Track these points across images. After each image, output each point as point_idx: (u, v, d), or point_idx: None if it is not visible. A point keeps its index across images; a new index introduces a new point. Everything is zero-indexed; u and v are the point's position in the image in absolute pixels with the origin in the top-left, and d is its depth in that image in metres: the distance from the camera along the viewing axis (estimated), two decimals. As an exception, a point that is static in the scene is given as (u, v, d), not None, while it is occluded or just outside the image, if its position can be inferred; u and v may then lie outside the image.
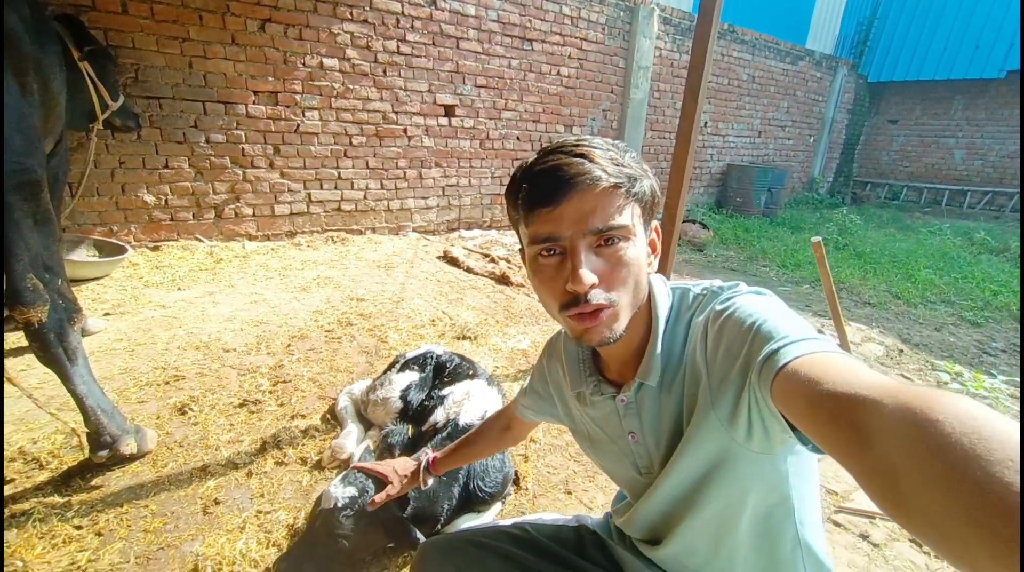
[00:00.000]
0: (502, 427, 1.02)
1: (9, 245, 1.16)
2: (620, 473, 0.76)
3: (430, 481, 1.06)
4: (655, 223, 0.65)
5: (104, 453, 1.43)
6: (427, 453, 1.08)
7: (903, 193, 9.54)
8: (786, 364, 0.46)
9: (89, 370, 1.42)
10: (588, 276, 0.55)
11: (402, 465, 1.09)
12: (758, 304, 0.56)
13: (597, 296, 0.56)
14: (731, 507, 0.63)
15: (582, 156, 0.56)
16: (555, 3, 4.99)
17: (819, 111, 8.93)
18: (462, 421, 1.51)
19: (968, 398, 0.32)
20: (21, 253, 1.18)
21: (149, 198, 3.46)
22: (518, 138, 5.16)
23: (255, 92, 3.68)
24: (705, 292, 0.65)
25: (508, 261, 3.91)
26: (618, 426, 0.71)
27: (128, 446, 1.46)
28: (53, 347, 1.29)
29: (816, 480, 0.68)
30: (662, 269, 2.19)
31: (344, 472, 1.19)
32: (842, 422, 0.38)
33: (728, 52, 6.90)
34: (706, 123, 7.11)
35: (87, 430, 1.42)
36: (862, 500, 1.61)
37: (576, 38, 5.25)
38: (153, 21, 3.24)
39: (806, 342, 0.47)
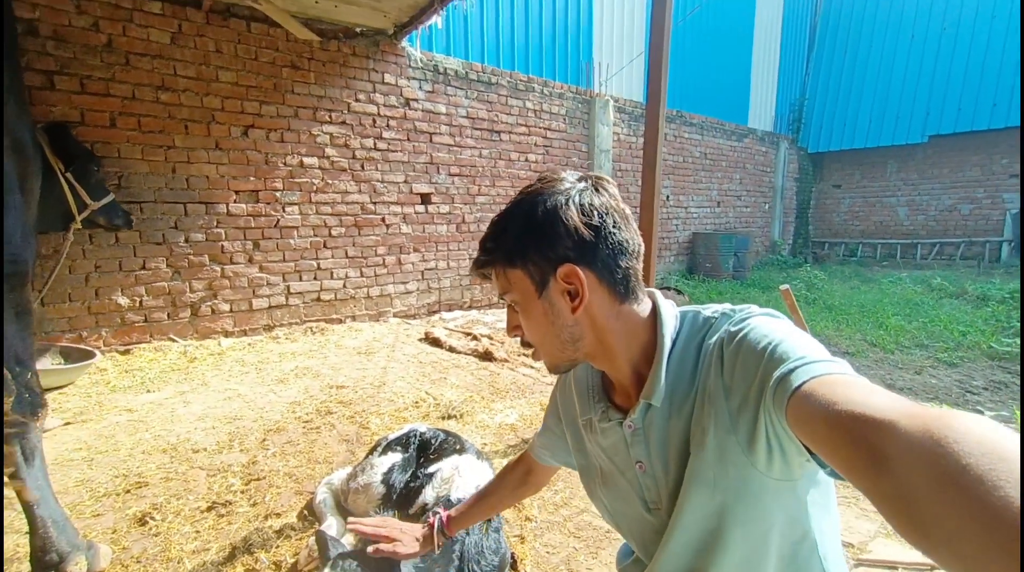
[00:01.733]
0: (521, 474, 0.97)
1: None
2: (628, 513, 0.72)
3: (444, 542, 0.98)
4: (564, 269, 0.61)
5: (49, 575, 1.27)
6: (439, 512, 0.99)
7: (859, 249, 10.10)
8: (800, 385, 0.46)
9: (45, 474, 1.31)
10: (508, 328, 0.72)
11: (409, 527, 0.99)
12: (772, 326, 0.56)
13: (523, 342, 0.71)
14: (756, 550, 0.60)
15: (483, 237, 0.68)
16: (518, 99, 5.48)
17: (769, 181, 9.66)
18: (455, 498, 1.41)
19: (986, 419, 0.32)
20: (-6, 343, 1.15)
21: (123, 301, 3.41)
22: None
23: (236, 191, 3.82)
24: (716, 314, 0.65)
25: (491, 337, 3.89)
26: (626, 455, 0.69)
27: (77, 566, 1.31)
28: (11, 443, 1.21)
29: (835, 511, 0.65)
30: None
31: (332, 559, 1.07)
32: (859, 445, 0.37)
33: (679, 133, 7.56)
34: (668, 196, 7.58)
35: (30, 547, 1.28)
36: (880, 551, 1.52)
37: (541, 128, 5.71)
38: (140, 132, 3.42)
39: (821, 364, 0.47)
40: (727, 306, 0.65)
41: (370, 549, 0.94)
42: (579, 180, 0.64)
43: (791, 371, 0.48)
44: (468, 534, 1.28)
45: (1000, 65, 8.16)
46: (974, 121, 8.44)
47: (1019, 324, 4.35)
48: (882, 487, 0.34)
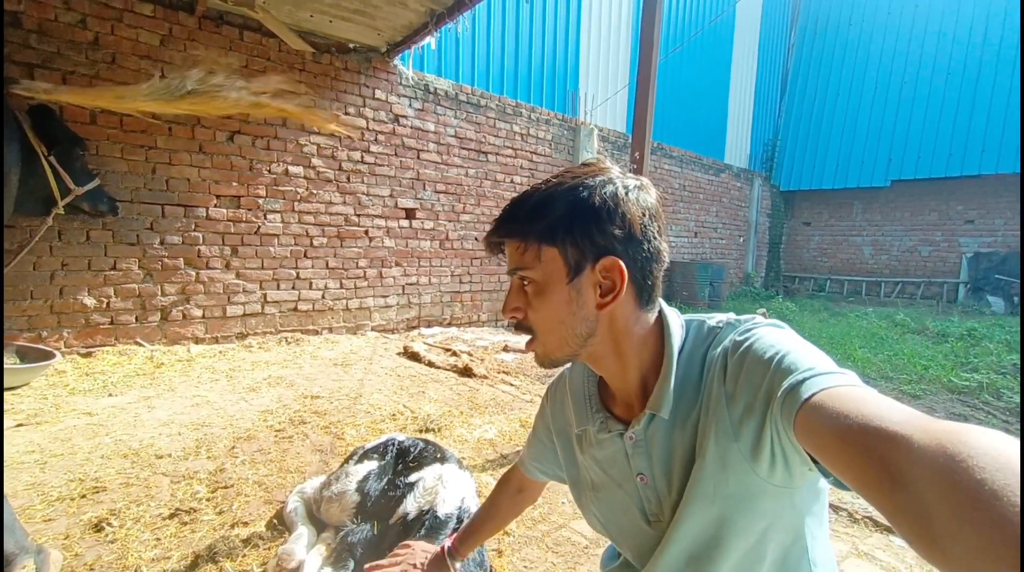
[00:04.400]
0: (513, 491, 0.95)
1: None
2: (625, 525, 0.70)
3: (458, 566, 0.97)
4: (607, 261, 0.60)
5: (-8, 580, 1.18)
6: (444, 543, 0.98)
7: (827, 285, 10.49)
8: (810, 397, 0.45)
9: (-4, 470, 1.22)
10: (506, 307, 0.67)
11: (421, 554, 0.98)
12: (778, 336, 0.56)
13: (519, 325, 0.67)
14: (751, 555, 0.59)
15: (505, 213, 0.64)
16: (506, 123, 5.60)
17: (744, 215, 10.02)
18: (441, 512, 1.37)
19: (999, 432, 0.32)
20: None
21: (89, 301, 3.28)
22: (476, 239, 5.42)
23: (218, 196, 3.76)
24: (721, 324, 0.64)
25: (470, 354, 3.86)
26: (625, 467, 0.67)
27: (24, 569, 1.22)
28: None
29: (825, 517, 0.65)
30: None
31: None
32: (872, 460, 0.36)
33: (660, 164, 7.82)
34: (647, 225, 7.76)
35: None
36: (852, 571, 1.53)
37: (527, 151, 5.83)
38: (121, 131, 3.35)
39: (830, 375, 0.47)
40: (732, 316, 0.65)
41: None
42: (629, 176, 0.63)
43: (800, 382, 0.47)
44: None
45: (955, 118, 8.77)
46: (932, 168, 8.98)
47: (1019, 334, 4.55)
48: (896, 502, 0.34)
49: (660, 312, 0.67)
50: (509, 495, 0.96)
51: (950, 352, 5.10)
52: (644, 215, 0.61)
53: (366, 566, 1.06)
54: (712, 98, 9.00)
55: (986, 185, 8.74)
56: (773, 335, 0.56)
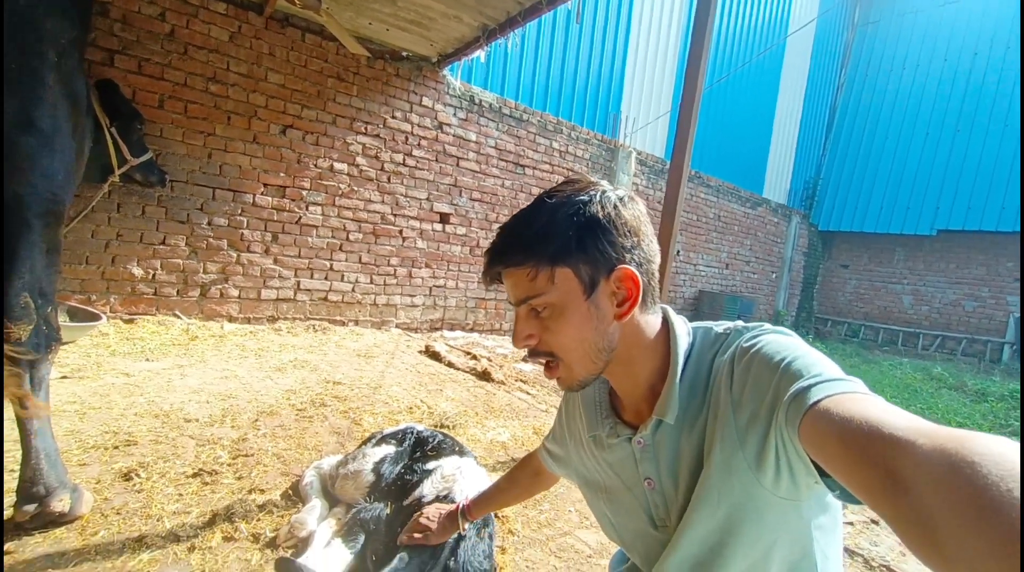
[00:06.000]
0: (531, 474, 0.99)
1: (16, 262, 1.17)
2: (633, 529, 0.70)
3: (467, 527, 1.06)
4: (620, 271, 0.61)
5: (31, 508, 1.26)
6: (460, 502, 1.08)
7: (862, 331, 10.12)
8: (815, 403, 0.45)
9: (48, 407, 1.32)
10: (519, 339, 0.64)
11: (434, 511, 1.08)
12: (785, 342, 0.56)
13: (539, 352, 0.64)
14: (756, 567, 0.59)
15: (499, 244, 0.62)
16: (546, 138, 5.70)
17: (779, 251, 9.81)
18: (459, 499, 1.40)
19: (1003, 439, 0.32)
20: (24, 272, 1.19)
21: (137, 271, 3.47)
22: (505, 248, 5.48)
23: (265, 184, 3.94)
24: (729, 331, 0.64)
25: (490, 359, 3.89)
26: (634, 472, 0.67)
27: (61, 503, 1.30)
28: (23, 369, 1.23)
29: (840, 537, 0.64)
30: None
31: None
32: (875, 466, 0.36)
33: (696, 193, 7.77)
34: (679, 251, 7.70)
35: (19, 478, 1.27)
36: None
37: (564, 168, 5.90)
38: (184, 117, 3.57)
39: (836, 382, 0.46)
40: (739, 323, 0.65)
41: (402, 538, 1.00)
42: (617, 187, 0.65)
43: (806, 389, 0.47)
44: (465, 539, 1.28)
45: (1010, 170, 8.44)
46: (982, 221, 8.65)
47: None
48: (900, 509, 0.34)
49: (666, 319, 0.67)
50: (528, 475, 0.99)
51: (988, 412, 4.86)
52: (641, 220, 0.63)
53: (399, 540, 1.12)
54: (755, 130, 8.93)
55: (1040, 243, 8.35)
56: (780, 342, 0.56)
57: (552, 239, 0.59)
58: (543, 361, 0.64)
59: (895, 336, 9.70)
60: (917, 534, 0.32)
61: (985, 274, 9.02)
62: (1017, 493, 0.28)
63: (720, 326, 0.66)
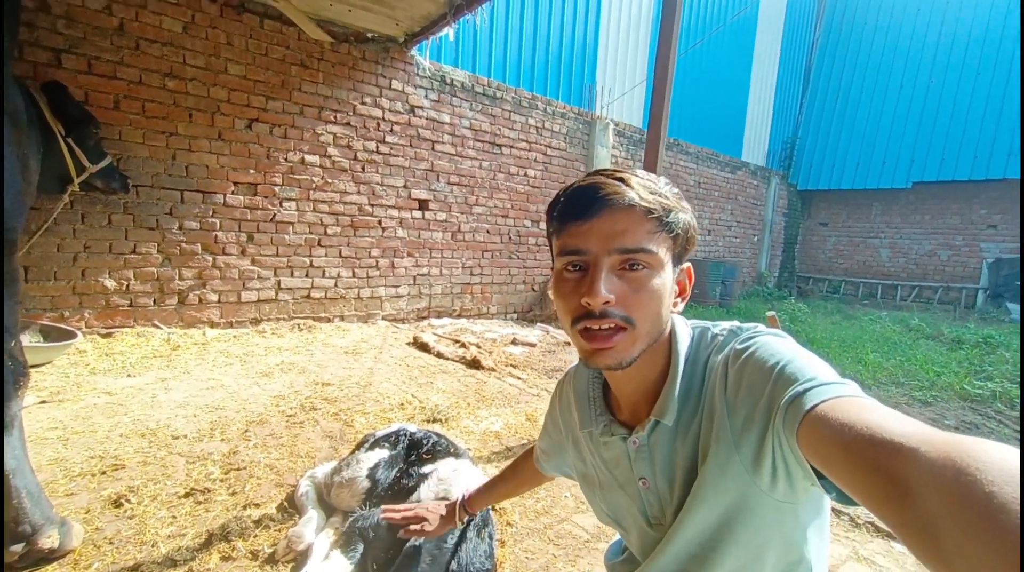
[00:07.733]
0: (530, 471, 0.99)
1: (-31, 302, 1.12)
2: (629, 522, 0.71)
3: (466, 518, 1.05)
4: (687, 265, 0.64)
5: (18, 548, 1.24)
6: (460, 495, 1.07)
7: (842, 287, 10.34)
8: (813, 408, 0.44)
9: (23, 444, 1.28)
10: (604, 291, 0.55)
11: (434, 505, 1.07)
12: (779, 345, 0.55)
13: (613, 313, 0.56)
14: (749, 567, 0.59)
15: (620, 180, 0.58)
16: (521, 115, 5.58)
17: (759, 214, 9.89)
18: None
19: (1006, 446, 0.32)
20: (-21, 311, 1.13)
21: (109, 283, 3.37)
22: (488, 231, 5.43)
23: (235, 183, 3.82)
24: (724, 332, 0.64)
25: (479, 346, 3.90)
26: (628, 471, 0.67)
27: (49, 539, 1.28)
28: None
29: (828, 538, 0.65)
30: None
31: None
32: (879, 472, 0.36)
33: (675, 161, 7.74)
34: (660, 222, 7.71)
35: (3, 518, 1.25)
36: (852, 576, 1.54)
37: (541, 144, 5.81)
38: (143, 116, 3.41)
39: (833, 386, 0.46)
40: (735, 324, 0.65)
41: (402, 532, 1.00)
42: None
43: (802, 393, 0.47)
44: (466, 541, 1.30)
45: (982, 119, 8.54)
46: (956, 171, 8.77)
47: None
48: (903, 516, 0.34)
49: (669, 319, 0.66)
50: (527, 471, 1.00)
51: (964, 359, 5.02)
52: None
53: (383, 507, 1.13)
54: (731, 94, 8.86)
55: (1011, 189, 8.52)
56: (773, 345, 0.56)
57: (672, 200, 0.60)
58: (610, 324, 0.56)
59: (874, 289, 9.94)
60: (921, 541, 0.32)
61: (959, 223, 9.21)
62: (1020, 501, 0.28)
63: (716, 327, 0.66)
